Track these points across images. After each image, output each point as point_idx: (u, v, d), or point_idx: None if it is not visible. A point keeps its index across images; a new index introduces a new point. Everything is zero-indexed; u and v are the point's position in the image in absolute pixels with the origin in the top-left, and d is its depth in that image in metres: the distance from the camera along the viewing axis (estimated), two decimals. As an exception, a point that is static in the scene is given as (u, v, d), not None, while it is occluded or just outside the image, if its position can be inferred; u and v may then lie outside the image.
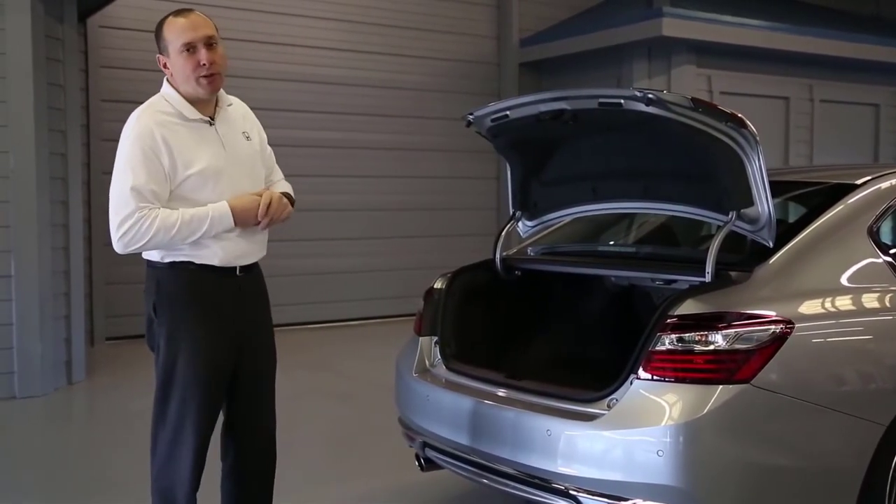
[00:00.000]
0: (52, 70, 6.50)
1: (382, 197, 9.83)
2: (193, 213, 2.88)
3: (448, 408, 3.44)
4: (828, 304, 3.09)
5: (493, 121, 3.56)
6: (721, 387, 2.79)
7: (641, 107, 3.03)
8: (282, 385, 6.24)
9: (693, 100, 2.98)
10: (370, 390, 6.34)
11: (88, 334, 7.71)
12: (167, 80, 3.00)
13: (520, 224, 4.03)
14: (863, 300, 3.19)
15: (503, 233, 3.93)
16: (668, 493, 2.78)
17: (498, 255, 3.90)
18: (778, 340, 2.86)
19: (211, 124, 2.99)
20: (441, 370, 3.65)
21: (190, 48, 2.90)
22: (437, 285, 3.82)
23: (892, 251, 3.41)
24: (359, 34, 9.60)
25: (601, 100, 3.17)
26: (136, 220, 2.82)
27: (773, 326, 2.88)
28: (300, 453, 4.79)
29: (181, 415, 2.97)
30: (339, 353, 8.03)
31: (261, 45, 9.03)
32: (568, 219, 4.04)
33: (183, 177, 2.89)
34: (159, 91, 3.01)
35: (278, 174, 3.29)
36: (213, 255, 2.96)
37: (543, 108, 3.37)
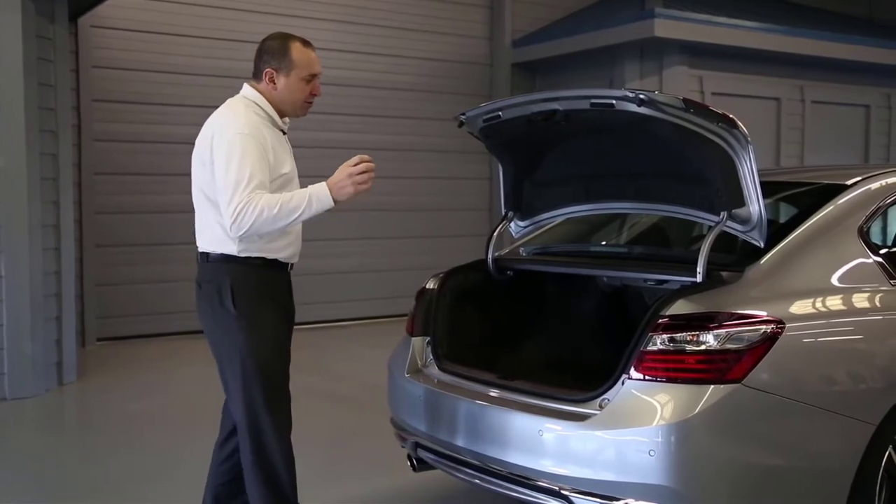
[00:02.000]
0: (43, 70, 6.47)
1: (375, 197, 9.74)
2: (293, 193, 3.06)
3: (440, 408, 3.45)
4: (818, 304, 3.10)
5: (485, 121, 3.56)
6: (712, 387, 2.80)
7: (633, 107, 3.04)
8: (274, 386, 6.12)
9: (684, 100, 2.99)
10: (362, 391, 6.34)
11: (79, 335, 7.69)
12: (253, 87, 3.22)
13: (512, 224, 4.03)
14: (853, 300, 3.21)
15: (495, 233, 3.94)
16: (659, 493, 2.79)
17: (490, 256, 3.90)
18: (769, 340, 2.87)
19: (284, 134, 3.27)
20: (433, 370, 3.65)
21: (311, 78, 3.22)
22: (430, 286, 3.82)
23: (882, 251, 3.43)
24: (351, 34, 9.59)
25: (593, 100, 3.18)
26: (244, 203, 2.98)
27: (763, 326, 2.89)
28: (292, 454, 4.78)
29: (274, 395, 3.13)
30: (331, 354, 8.02)
31: (253, 46, 9.00)
32: (560, 219, 4.05)
33: (275, 175, 3.12)
34: (239, 95, 3.22)
35: None
36: (282, 250, 3.19)
37: (535, 108, 3.37)
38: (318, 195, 3.05)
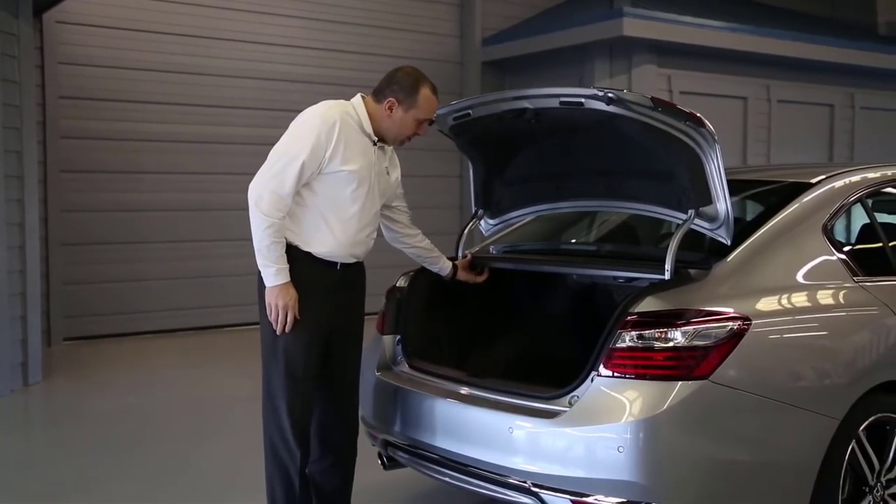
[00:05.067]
0: (7, 66, 6.37)
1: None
2: (279, 254, 3.20)
3: (411, 406, 3.45)
4: (784, 301, 3.14)
5: (455, 119, 3.57)
6: (680, 383, 2.83)
7: (602, 106, 3.07)
8: (243, 386, 6.17)
9: (652, 99, 3.01)
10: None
11: (45, 335, 7.58)
12: (365, 101, 3.36)
13: (482, 222, 4.05)
14: (818, 297, 3.25)
15: (465, 231, 3.95)
16: (628, 489, 2.81)
17: (460, 254, 3.91)
18: (735, 337, 2.90)
19: (374, 143, 3.36)
20: (403, 369, 3.65)
21: (423, 122, 3.37)
22: (400, 284, 3.82)
23: (845, 248, 3.48)
24: (321, 31, 9.54)
25: (562, 99, 3.20)
26: (275, 200, 3.15)
27: (730, 323, 2.92)
28: (262, 453, 4.76)
29: (280, 373, 3.28)
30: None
31: (222, 42, 8.95)
32: (530, 217, 4.06)
33: (338, 168, 3.23)
34: (349, 100, 3.37)
35: (402, 201, 3.67)
36: (319, 248, 3.28)
37: (505, 106, 3.39)
38: (273, 271, 3.19)
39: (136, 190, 8.45)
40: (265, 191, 3.17)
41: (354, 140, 3.27)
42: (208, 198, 8.76)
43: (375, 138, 3.36)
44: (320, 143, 3.18)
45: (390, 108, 3.31)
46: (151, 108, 8.55)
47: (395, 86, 3.33)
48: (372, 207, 3.37)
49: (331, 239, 3.29)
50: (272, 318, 3.23)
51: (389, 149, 3.50)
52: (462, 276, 3.79)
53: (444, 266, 3.75)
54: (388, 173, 3.47)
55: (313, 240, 3.28)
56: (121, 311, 8.47)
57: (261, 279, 3.28)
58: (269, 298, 3.22)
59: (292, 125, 3.29)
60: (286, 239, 3.25)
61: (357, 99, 3.37)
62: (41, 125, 7.75)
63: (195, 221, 8.77)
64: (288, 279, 3.21)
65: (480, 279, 3.83)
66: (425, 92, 3.32)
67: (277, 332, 3.24)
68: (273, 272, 3.20)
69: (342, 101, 3.36)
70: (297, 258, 3.26)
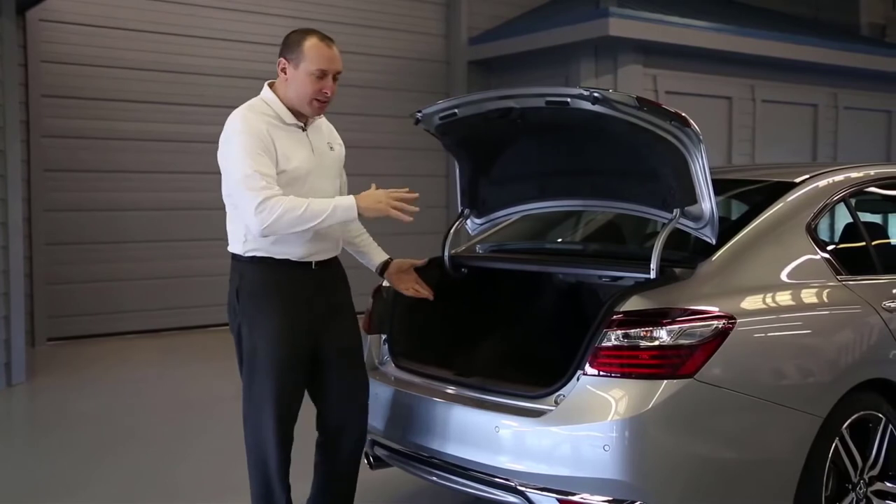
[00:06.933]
0: (-10, 64, 6.35)
1: (331, 194, 9.75)
2: (319, 201, 3.09)
3: (397, 406, 3.45)
4: (768, 300, 3.16)
5: (441, 119, 3.56)
6: (665, 381, 2.84)
7: (588, 105, 3.07)
8: (228, 386, 6.14)
9: (638, 98, 3.02)
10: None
11: (29, 335, 7.54)
12: (269, 85, 3.25)
13: (468, 222, 4.04)
14: (802, 296, 3.27)
15: (451, 231, 3.94)
16: (614, 487, 2.82)
17: (446, 253, 3.91)
18: (720, 335, 2.92)
19: (303, 130, 3.25)
20: (390, 368, 3.65)
21: (322, 75, 3.17)
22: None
23: (829, 248, 3.50)
24: (307, 31, 9.54)
25: (548, 98, 3.20)
26: (265, 198, 3.00)
27: (715, 322, 2.93)
28: (248, 453, 4.74)
29: (263, 392, 3.17)
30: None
31: (207, 41, 8.92)
32: (516, 216, 4.06)
33: (279, 170, 3.11)
34: (258, 96, 3.24)
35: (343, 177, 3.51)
36: (291, 251, 3.17)
37: (491, 106, 3.39)
38: (343, 204, 3.10)
39: (121, 189, 8.41)
40: (259, 206, 2.99)
41: (284, 138, 3.15)
42: (193, 197, 8.72)
43: (301, 123, 3.24)
44: (261, 147, 3.06)
45: (284, 71, 3.18)
46: (135, 106, 8.50)
47: (282, 47, 3.21)
48: (327, 190, 3.25)
49: (298, 238, 3.15)
50: (394, 208, 3.13)
51: (324, 124, 3.39)
52: (391, 278, 3.62)
53: (373, 261, 3.61)
54: (331, 149, 3.37)
55: (283, 244, 3.16)
56: (105, 311, 8.43)
57: (231, 288, 3.20)
58: (369, 209, 3.11)
59: (223, 153, 3.13)
60: (256, 252, 3.15)
61: (266, 92, 3.24)
62: (24, 124, 7.70)
63: (180, 221, 8.73)
64: (350, 198, 3.10)
65: (416, 291, 3.62)
66: (311, 41, 3.15)
67: (406, 219, 3.14)
68: (339, 208, 3.08)
69: (255, 104, 3.20)
70: (270, 266, 3.16)
